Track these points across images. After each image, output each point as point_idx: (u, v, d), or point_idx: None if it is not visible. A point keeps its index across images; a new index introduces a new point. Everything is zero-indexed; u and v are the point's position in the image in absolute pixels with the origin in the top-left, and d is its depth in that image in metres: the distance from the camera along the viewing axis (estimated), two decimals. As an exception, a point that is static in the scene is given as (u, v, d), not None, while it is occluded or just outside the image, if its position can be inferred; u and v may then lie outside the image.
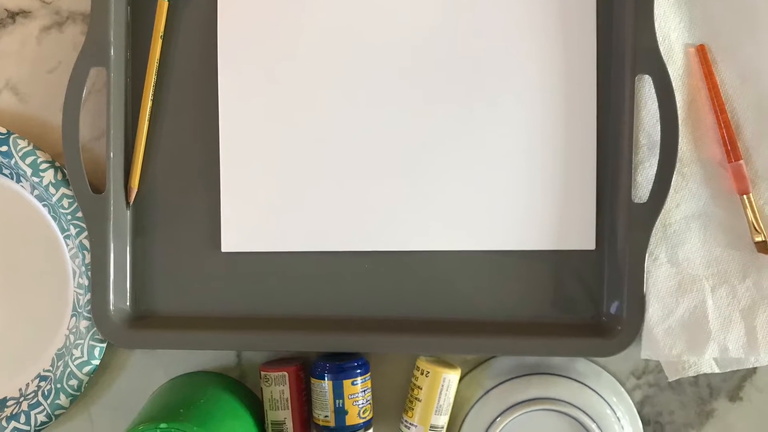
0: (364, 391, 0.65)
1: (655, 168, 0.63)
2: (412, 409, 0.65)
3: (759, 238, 0.64)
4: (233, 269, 0.68)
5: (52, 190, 0.67)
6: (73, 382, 0.67)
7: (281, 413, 0.66)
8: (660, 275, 0.64)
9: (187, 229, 0.68)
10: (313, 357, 0.69)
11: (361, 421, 0.65)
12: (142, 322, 0.68)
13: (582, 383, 0.65)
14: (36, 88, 0.69)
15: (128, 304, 0.68)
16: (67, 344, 0.68)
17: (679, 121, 0.63)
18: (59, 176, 0.67)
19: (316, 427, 0.66)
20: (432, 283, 0.67)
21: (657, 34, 0.63)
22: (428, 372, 0.65)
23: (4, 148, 0.67)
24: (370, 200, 0.67)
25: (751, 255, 0.64)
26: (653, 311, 0.64)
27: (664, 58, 0.63)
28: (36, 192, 0.68)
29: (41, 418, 0.68)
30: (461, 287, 0.67)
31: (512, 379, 0.66)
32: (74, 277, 0.68)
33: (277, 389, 0.66)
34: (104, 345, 0.68)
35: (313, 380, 0.66)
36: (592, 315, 0.66)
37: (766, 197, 0.64)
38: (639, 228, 0.63)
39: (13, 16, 0.69)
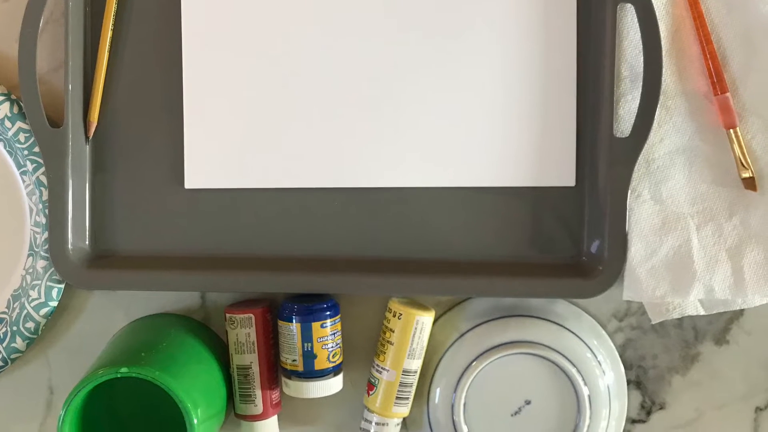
0: (334, 334, 0.64)
1: (638, 101, 0.62)
2: (384, 352, 0.64)
3: (746, 174, 0.62)
4: (197, 206, 0.66)
5: (7, 123, 0.65)
6: (30, 325, 0.66)
7: (247, 357, 0.64)
8: (643, 213, 0.63)
9: (148, 165, 0.66)
10: (280, 298, 0.67)
11: (331, 365, 0.64)
12: (102, 262, 0.66)
13: (561, 326, 0.64)
14: (-10, 17, 0.68)
15: (87, 243, 0.67)
16: (24, 285, 0.66)
17: (663, 52, 0.61)
18: (15, 109, 0.66)
19: (284, 372, 0.65)
20: (405, 221, 0.65)
21: (640, -40, 0.61)
22: (400, 314, 0.63)
23: (-42, 80, 0.65)
24: (340, 134, 0.65)
25: (738, 192, 0.63)
26: (636, 250, 0.63)
27: (648, -15, 0.61)
28: (-9, 126, 0.67)
29: (-4, 362, 0.66)
30: (435, 225, 0.65)
31: (488, 321, 0.65)
32: (31, 215, 0.67)
33: (243, 332, 0.64)
34: (62, 286, 0.66)
35: (280, 323, 0.64)
36: (572, 254, 0.65)
37: (753, 131, 0.63)
38: (621, 163, 0.62)
39: (-32, -56, 0.68)
